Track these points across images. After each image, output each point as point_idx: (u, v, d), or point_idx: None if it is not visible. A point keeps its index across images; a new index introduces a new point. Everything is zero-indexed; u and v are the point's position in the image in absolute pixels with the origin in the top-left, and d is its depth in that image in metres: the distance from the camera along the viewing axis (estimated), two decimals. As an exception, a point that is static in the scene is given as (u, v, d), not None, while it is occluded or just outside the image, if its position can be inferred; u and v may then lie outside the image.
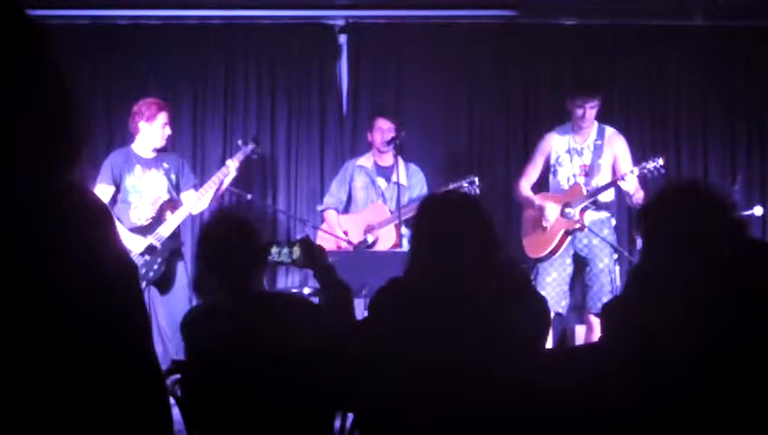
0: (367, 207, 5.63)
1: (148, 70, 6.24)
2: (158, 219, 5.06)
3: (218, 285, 2.85)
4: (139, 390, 1.02)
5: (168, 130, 5.11)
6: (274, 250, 2.94)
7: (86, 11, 6.19)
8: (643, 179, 5.03)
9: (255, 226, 2.92)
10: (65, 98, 1.12)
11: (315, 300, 4.11)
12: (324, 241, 5.24)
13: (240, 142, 5.49)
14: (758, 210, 5.43)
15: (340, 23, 6.40)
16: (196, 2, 6.22)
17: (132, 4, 6.21)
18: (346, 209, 5.74)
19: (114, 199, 5.05)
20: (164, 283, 5.07)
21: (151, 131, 5.06)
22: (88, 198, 1.07)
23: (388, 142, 5.49)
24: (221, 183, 5.22)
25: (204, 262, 2.84)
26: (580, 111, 5.19)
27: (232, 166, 5.24)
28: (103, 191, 4.99)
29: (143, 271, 4.95)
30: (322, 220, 5.78)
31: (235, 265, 2.78)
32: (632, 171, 5.01)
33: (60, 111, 1.09)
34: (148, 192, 5.07)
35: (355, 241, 5.43)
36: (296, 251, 2.91)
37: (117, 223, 4.83)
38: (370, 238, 5.49)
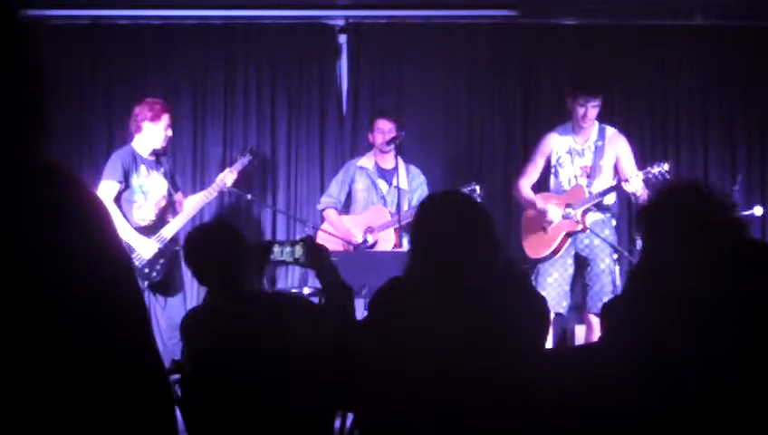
0: (367, 208, 5.62)
1: (148, 70, 6.24)
2: (159, 221, 5.07)
3: (209, 287, 2.90)
4: (142, 386, 1.02)
5: (169, 132, 5.13)
6: (276, 249, 2.95)
7: (86, 11, 6.19)
8: (647, 184, 5.01)
9: (237, 229, 3.02)
10: (30, 65, 1.05)
11: (315, 300, 4.12)
12: (325, 241, 5.24)
13: (235, 154, 5.56)
14: (758, 210, 5.42)
15: (340, 23, 6.40)
16: (197, 2, 6.22)
17: (132, 4, 6.21)
18: (345, 210, 5.74)
19: (118, 197, 5.04)
20: (164, 284, 5.07)
21: (154, 132, 5.06)
22: (84, 192, 1.06)
23: (389, 142, 5.49)
24: (222, 188, 5.30)
25: (191, 268, 2.94)
26: (581, 110, 5.17)
27: (228, 179, 5.28)
28: (110, 188, 4.98)
29: (146, 271, 4.96)
30: (322, 220, 5.78)
31: (220, 269, 2.83)
32: (636, 175, 4.99)
33: (23, 81, 1.04)
34: (153, 193, 5.08)
35: (355, 242, 5.43)
36: (298, 250, 2.92)
37: (126, 224, 4.89)
38: (370, 239, 5.49)
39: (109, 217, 1.06)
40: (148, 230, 5.03)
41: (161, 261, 5.01)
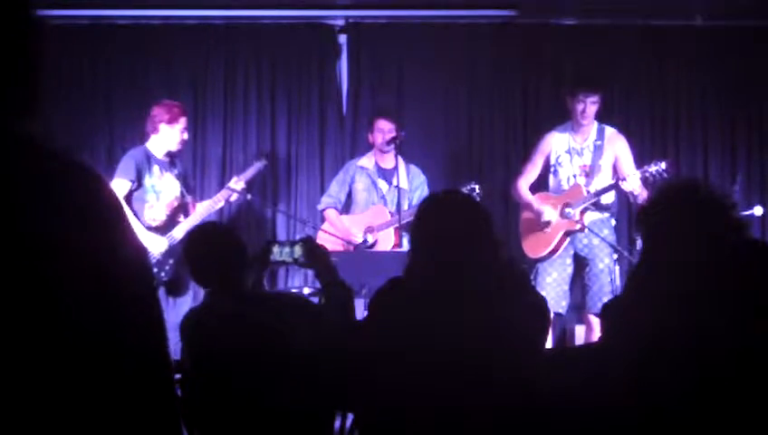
0: (368, 208, 5.62)
1: (148, 70, 6.24)
2: (170, 221, 5.10)
3: (208, 287, 2.91)
4: (150, 386, 1.01)
5: (185, 135, 5.16)
6: (276, 249, 2.95)
7: (86, 11, 6.19)
8: (645, 183, 5.02)
9: (235, 229, 3.04)
10: (32, 62, 1.00)
11: (315, 300, 4.12)
12: (326, 241, 5.24)
13: (250, 158, 5.53)
14: (758, 210, 5.42)
15: (340, 23, 6.40)
16: (197, 2, 6.21)
17: (132, 4, 6.21)
18: (346, 210, 5.74)
19: (129, 196, 5.05)
20: (172, 285, 5.09)
21: (171, 134, 5.10)
22: (102, 188, 1.04)
23: (389, 142, 5.49)
24: (230, 196, 5.29)
25: (190, 267, 2.96)
26: (580, 106, 5.18)
27: (239, 185, 5.28)
28: (122, 186, 5.00)
29: (155, 270, 4.98)
30: (323, 220, 5.78)
31: (219, 270, 2.84)
32: (634, 174, 5.00)
33: (11, 44, 0.98)
34: (166, 194, 5.10)
35: (355, 242, 5.43)
36: (298, 250, 2.92)
37: (135, 221, 4.91)
38: (370, 239, 5.49)
39: (124, 213, 1.05)
40: (159, 231, 5.06)
41: (170, 261, 5.03)
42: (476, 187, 5.22)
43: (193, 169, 6.21)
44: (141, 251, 1.07)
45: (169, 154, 5.16)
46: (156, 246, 4.99)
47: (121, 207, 1.04)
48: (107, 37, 6.23)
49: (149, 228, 5.02)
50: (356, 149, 6.17)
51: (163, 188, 5.10)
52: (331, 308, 2.85)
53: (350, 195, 5.73)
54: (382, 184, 5.64)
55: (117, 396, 0.97)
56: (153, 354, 1.02)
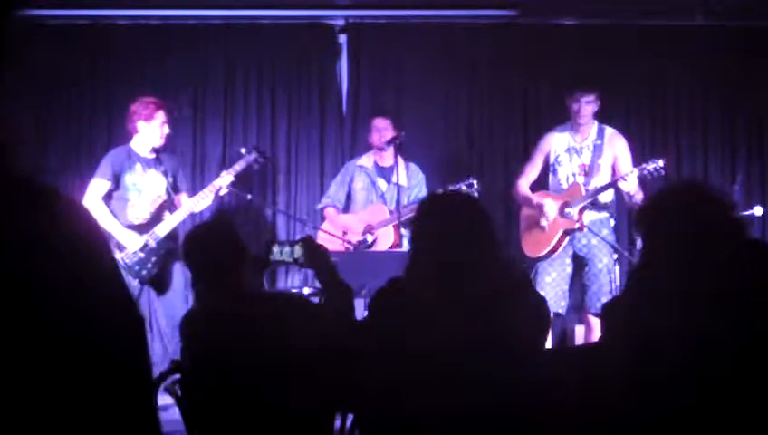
0: (367, 207, 5.63)
1: (147, 70, 6.24)
2: (155, 219, 5.04)
3: (208, 287, 2.90)
4: (124, 396, 1.00)
5: (166, 129, 5.11)
6: (276, 249, 2.95)
7: (86, 11, 6.19)
8: (643, 181, 5.02)
9: (235, 229, 3.03)
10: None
11: (315, 300, 4.12)
12: (325, 241, 5.24)
13: (243, 151, 5.44)
14: (758, 210, 5.42)
15: (340, 23, 6.40)
16: (196, 2, 6.22)
17: (132, 4, 6.21)
18: (346, 210, 5.75)
19: (109, 196, 5.04)
20: (161, 283, 5.06)
21: (150, 131, 5.07)
22: (63, 201, 1.02)
23: (388, 142, 5.49)
24: (218, 190, 5.21)
25: (190, 267, 2.94)
26: (576, 106, 5.20)
27: (226, 179, 5.20)
28: (99, 186, 5.00)
29: (137, 268, 4.95)
30: (322, 219, 5.79)
31: (217, 268, 2.84)
32: (632, 172, 5.00)
33: None
34: (148, 191, 5.06)
35: (354, 241, 5.44)
36: (298, 250, 2.92)
37: (113, 220, 4.84)
38: (369, 238, 5.50)
39: (92, 220, 1.03)
40: (142, 228, 4.99)
41: (153, 259, 4.98)
42: (474, 181, 5.23)
43: (192, 169, 6.21)
44: (109, 258, 1.05)
45: (155, 150, 5.13)
46: (132, 243, 4.95)
47: (87, 215, 1.02)
48: (107, 37, 6.23)
49: (132, 227, 4.98)
50: (356, 150, 6.17)
51: (145, 186, 5.06)
52: (330, 308, 2.85)
53: (349, 195, 5.74)
54: (381, 182, 5.65)
55: (93, 405, 0.96)
56: (130, 362, 1.01)
